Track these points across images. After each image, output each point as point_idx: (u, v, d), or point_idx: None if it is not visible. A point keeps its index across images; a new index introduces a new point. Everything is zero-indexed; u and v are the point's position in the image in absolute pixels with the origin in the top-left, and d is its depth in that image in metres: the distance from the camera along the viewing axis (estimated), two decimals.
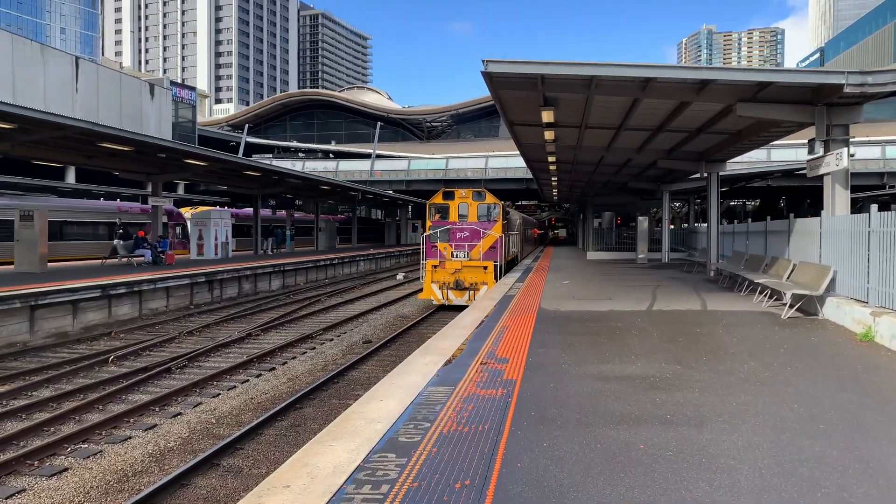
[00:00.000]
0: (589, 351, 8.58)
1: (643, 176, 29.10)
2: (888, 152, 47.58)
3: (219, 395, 11.35)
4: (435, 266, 22.26)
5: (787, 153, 49.53)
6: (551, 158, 24.00)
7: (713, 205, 21.30)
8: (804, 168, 39.30)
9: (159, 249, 26.95)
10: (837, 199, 11.73)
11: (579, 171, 29.36)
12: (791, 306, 11.23)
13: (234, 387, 11.89)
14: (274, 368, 13.39)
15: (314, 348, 15.52)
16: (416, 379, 6.91)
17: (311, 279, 32.81)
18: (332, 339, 16.70)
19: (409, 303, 24.94)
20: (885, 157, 47.15)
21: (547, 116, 14.95)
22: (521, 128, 18.21)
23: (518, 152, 24.85)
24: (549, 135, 17.73)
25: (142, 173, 28.41)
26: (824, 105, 11.58)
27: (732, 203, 69.97)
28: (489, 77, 11.76)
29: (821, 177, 12.08)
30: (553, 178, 33.87)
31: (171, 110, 61.97)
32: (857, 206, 41.36)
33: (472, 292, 21.63)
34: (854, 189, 48.63)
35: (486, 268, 21.88)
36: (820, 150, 11.98)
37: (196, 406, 10.62)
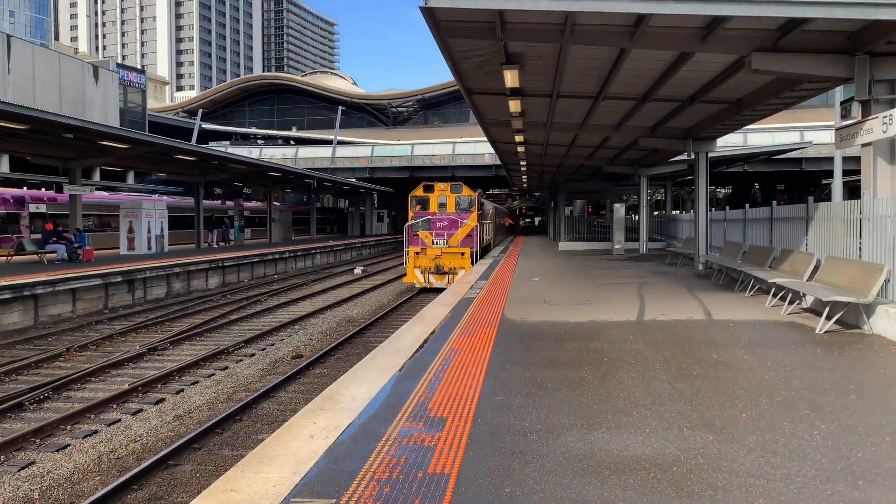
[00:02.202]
0: (568, 400, 5.78)
1: (620, 159, 26.50)
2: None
3: (67, 445, 8.34)
4: (417, 253, 24.20)
5: (763, 137, 47.40)
6: (519, 138, 21.21)
7: (702, 189, 18.71)
8: (794, 149, 37.12)
9: (76, 244, 23.60)
10: (881, 176, 9.10)
11: (550, 154, 26.65)
12: (829, 317, 8.58)
13: (96, 431, 8.89)
14: (163, 400, 10.38)
15: (227, 368, 12.53)
16: (276, 477, 4.02)
17: (257, 275, 29.68)
18: (253, 354, 13.71)
19: (362, 302, 22.03)
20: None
21: (511, 79, 12.12)
22: (481, 98, 15.35)
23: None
24: (514, 106, 14.88)
25: (57, 158, 24.97)
26: (866, 54, 8.92)
27: None
28: (432, 17, 8.86)
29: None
30: (522, 163, 31.14)
31: (117, 94, 57.76)
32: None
33: (451, 276, 23.44)
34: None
35: (463, 254, 23.91)
36: (857, 114, 9.35)
37: (23, 468, 7.60)
